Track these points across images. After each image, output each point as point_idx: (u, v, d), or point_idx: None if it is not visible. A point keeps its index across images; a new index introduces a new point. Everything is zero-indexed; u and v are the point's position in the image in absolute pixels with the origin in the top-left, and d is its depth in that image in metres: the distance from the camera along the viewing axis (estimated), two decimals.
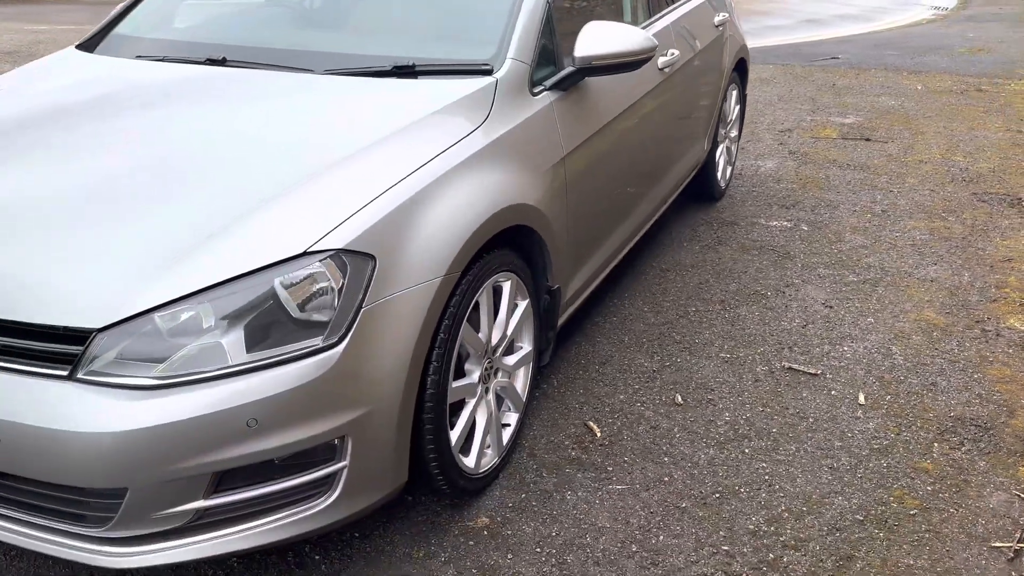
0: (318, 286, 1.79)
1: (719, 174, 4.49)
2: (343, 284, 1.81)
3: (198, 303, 1.73)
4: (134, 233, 1.84)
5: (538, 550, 2.14)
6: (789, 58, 8.87)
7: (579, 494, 2.35)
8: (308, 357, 1.76)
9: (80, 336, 1.70)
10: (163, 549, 1.78)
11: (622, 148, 2.99)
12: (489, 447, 2.33)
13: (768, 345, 3.12)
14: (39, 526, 1.82)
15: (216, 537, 1.81)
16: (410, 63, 2.43)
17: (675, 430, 2.63)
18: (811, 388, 2.86)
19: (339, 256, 1.81)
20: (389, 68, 2.43)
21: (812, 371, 2.95)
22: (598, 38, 2.53)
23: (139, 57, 2.73)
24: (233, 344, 1.73)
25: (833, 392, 2.84)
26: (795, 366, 2.98)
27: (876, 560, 2.12)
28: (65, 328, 1.70)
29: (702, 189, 4.41)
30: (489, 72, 2.41)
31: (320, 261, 1.79)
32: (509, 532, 2.21)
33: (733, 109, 4.61)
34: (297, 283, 1.77)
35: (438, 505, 2.30)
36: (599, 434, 2.60)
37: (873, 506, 2.31)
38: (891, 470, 2.45)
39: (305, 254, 1.79)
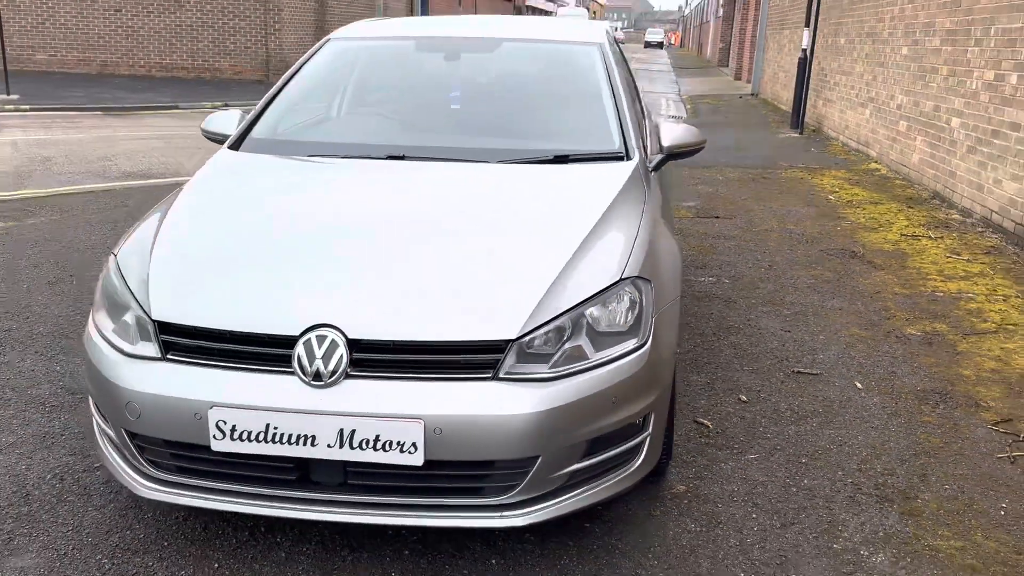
0: (628, 302, 2.49)
1: None
2: (641, 300, 2.52)
3: (564, 319, 2.36)
4: (500, 272, 2.43)
5: (734, 500, 2.90)
6: None
7: (730, 464, 3.13)
8: (633, 353, 2.44)
9: (499, 347, 2.27)
10: (547, 507, 2.34)
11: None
12: None
13: (770, 360, 4.12)
14: (442, 507, 2.30)
15: (576, 495, 2.39)
16: (565, 153, 3.20)
17: (757, 418, 3.50)
18: (821, 383, 3.87)
19: (635, 281, 2.53)
20: (551, 157, 3.18)
21: (814, 372, 3.98)
22: (675, 133, 3.45)
23: (311, 156, 3.24)
24: (588, 346, 2.38)
25: (836, 384, 3.87)
26: (801, 370, 3.99)
27: (940, 474, 3.11)
28: (488, 341, 2.26)
29: None
30: (621, 158, 3.24)
31: (629, 284, 2.50)
32: (705, 492, 2.94)
33: None
34: (615, 301, 2.46)
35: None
36: (711, 426, 3.41)
37: (915, 445, 3.31)
38: (908, 424, 3.49)
39: (620, 280, 2.49)
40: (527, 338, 2.30)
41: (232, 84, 19.27)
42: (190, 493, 2.38)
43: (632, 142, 3.31)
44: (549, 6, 65.61)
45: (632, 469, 2.52)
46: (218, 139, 3.62)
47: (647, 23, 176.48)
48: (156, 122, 13.25)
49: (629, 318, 2.48)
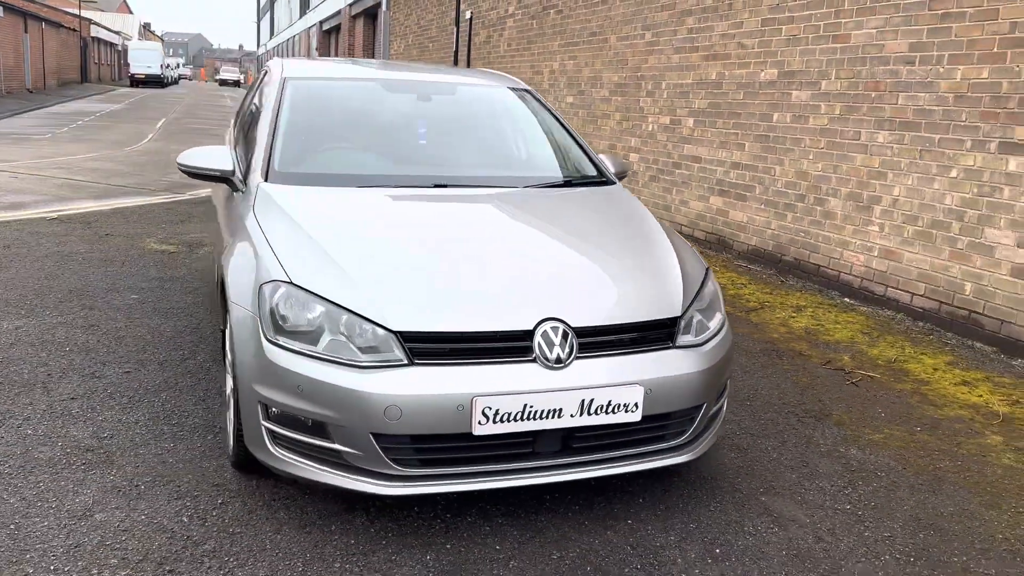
0: (711, 289, 3.29)
1: None
2: (714, 283, 3.34)
3: (692, 302, 3.10)
4: (644, 267, 3.09)
5: (737, 435, 3.82)
6: None
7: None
8: (725, 324, 3.26)
9: (674, 322, 2.94)
10: (701, 444, 3.06)
11: None
12: None
13: None
14: (639, 455, 2.90)
15: (710, 435, 3.13)
16: (569, 179, 3.90)
17: None
18: None
19: (707, 269, 3.35)
20: (562, 181, 3.86)
21: None
22: (616, 162, 4.32)
23: (362, 187, 3.50)
24: (705, 320, 3.15)
25: None
26: None
27: (827, 399, 4.36)
28: (668, 319, 2.92)
29: None
30: (605, 182, 4.02)
31: (710, 272, 3.32)
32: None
33: None
34: (705, 289, 3.26)
35: None
36: None
37: (797, 385, 4.55)
38: (779, 372, 4.73)
39: (707, 271, 3.30)
40: (682, 316, 3.01)
41: None
42: (440, 481, 2.67)
43: (604, 168, 4.12)
44: (115, 38, 61.67)
45: (723, 416, 3.33)
46: (202, 174, 3.65)
47: (208, 60, 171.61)
48: None
49: (710, 298, 3.29)
